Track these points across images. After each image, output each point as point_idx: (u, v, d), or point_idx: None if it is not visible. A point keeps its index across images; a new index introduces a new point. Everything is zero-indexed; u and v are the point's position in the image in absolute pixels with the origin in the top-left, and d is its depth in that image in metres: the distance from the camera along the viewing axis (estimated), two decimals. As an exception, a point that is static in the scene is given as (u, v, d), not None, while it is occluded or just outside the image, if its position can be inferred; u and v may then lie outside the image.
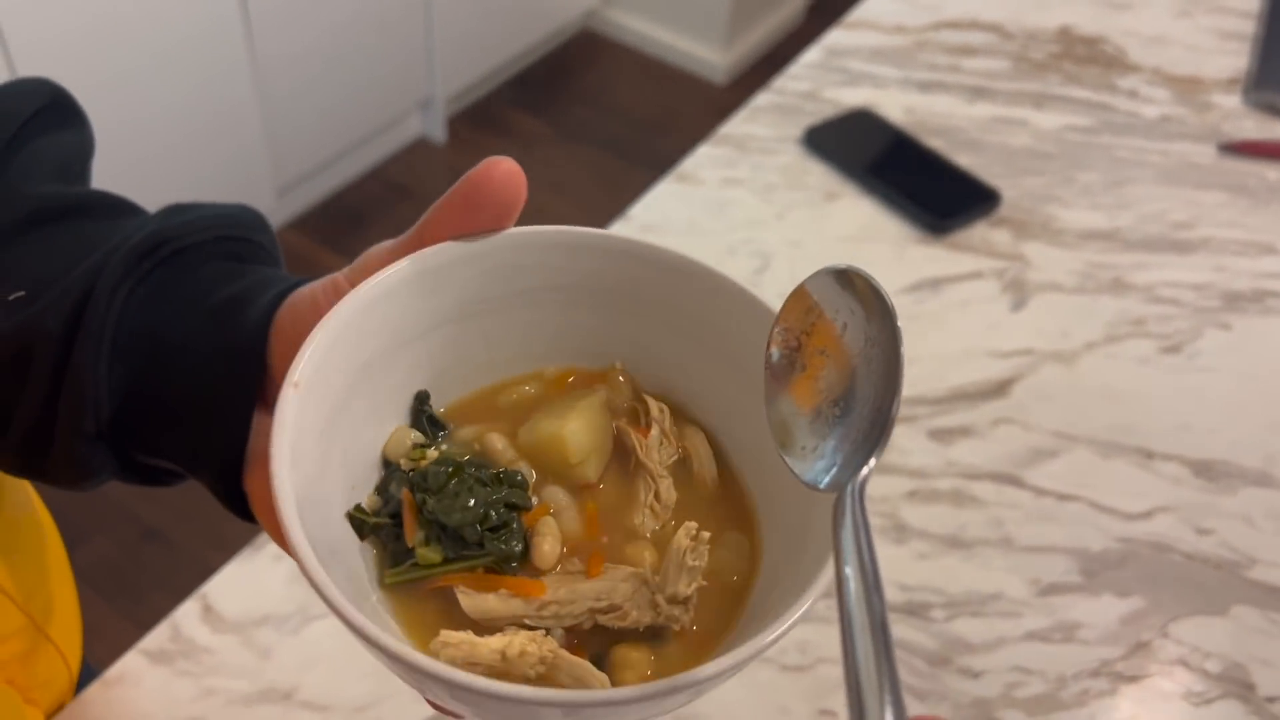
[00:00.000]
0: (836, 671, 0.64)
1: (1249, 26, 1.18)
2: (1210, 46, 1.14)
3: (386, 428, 0.38)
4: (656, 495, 0.37)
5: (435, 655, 0.31)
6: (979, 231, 0.91)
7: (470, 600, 0.34)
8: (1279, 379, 0.83)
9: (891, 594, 0.68)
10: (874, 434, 0.31)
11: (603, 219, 0.81)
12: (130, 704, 0.60)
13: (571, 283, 0.39)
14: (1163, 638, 0.67)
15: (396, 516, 0.36)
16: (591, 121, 2.51)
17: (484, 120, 2.48)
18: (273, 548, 0.67)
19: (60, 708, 0.60)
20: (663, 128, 2.48)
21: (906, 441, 0.76)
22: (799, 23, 2.82)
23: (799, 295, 0.35)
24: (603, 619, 0.34)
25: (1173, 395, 0.81)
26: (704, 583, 0.35)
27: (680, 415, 0.40)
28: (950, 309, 0.86)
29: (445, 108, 2.38)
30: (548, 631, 0.34)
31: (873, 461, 0.30)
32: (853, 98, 1.03)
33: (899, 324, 0.32)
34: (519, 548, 0.35)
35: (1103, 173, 0.98)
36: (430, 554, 0.34)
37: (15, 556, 0.56)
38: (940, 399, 0.79)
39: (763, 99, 1.02)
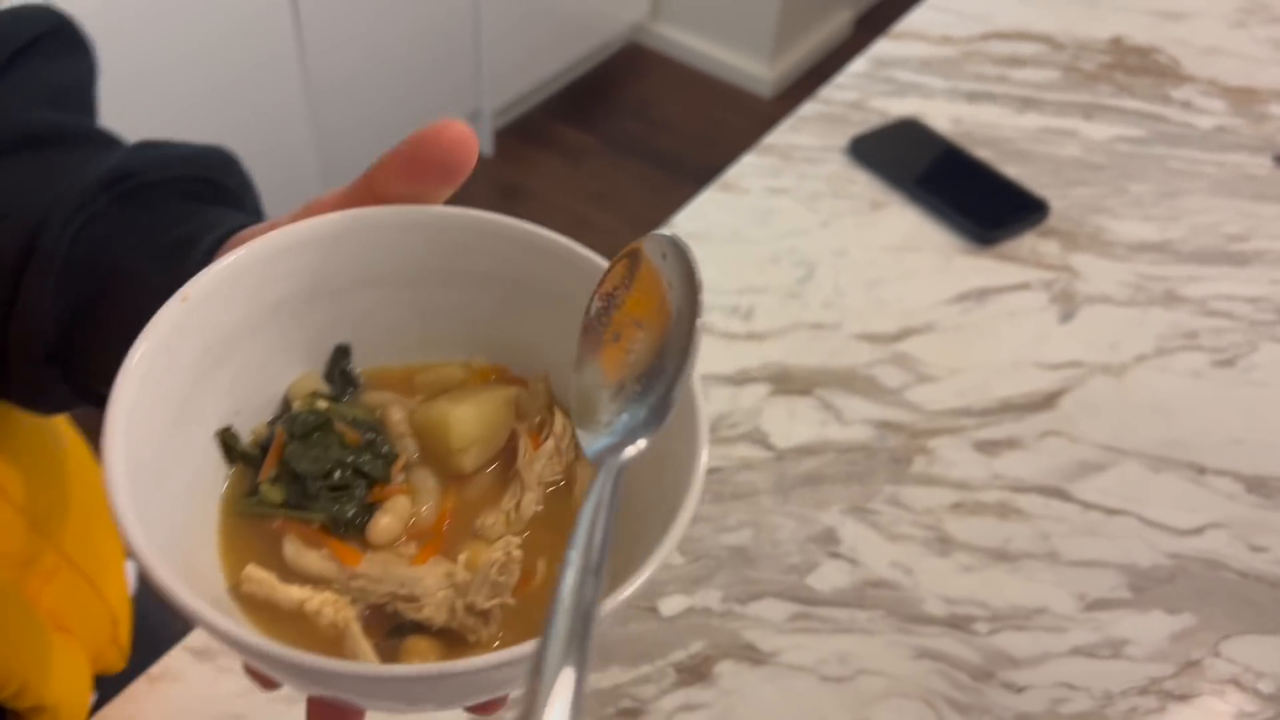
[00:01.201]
0: (877, 683, 0.63)
1: (1307, 31, 1.16)
2: (1266, 57, 1.12)
3: (295, 370, 0.38)
4: (518, 505, 0.36)
5: (237, 586, 0.32)
6: (1027, 242, 0.90)
7: (293, 549, 0.34)
8: (1337, 394, 0.81)
9: (935, 606, 0.67)
10: (653, 416, 0.30)
11: (647, 231, 0.81)
12: (175, 700, 0.60)
13: (519, 279, 0.38)
14: (1214, 656, 0.65)
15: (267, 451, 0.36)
16: (637, 135, 2.52)
17: (530, 133, 2.50)
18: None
19: (101, 656, 0.62)
20: (709, 141, 2.48)
21: (952, 453, 0.75)
22: (846, 36, 2.81)
23: (627, 257, 0.34)
24: (401, 606, 0.33)
25: (1225, 409, 0.79)
26: (510, 601, 0.33)
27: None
28: (998, 320, 0.85)
29: (492, 121, 2.40)
30: (353, 602, 0.33)
31: (641, 443, 0.29)
32: (899, 108, 1.02)
33: (701, 298, 0.31)
34: (350, 514, 0.35)
35: (1155, 184, 0.97)
36: (272, 493, 0.35)
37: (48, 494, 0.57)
38: (987, 410, 0.78)
39: (808, 108, 1.02)
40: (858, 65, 1.07)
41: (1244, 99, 1.06)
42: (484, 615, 0.33)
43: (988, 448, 0.76)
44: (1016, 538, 0.71)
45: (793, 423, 0.76)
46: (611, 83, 2.66)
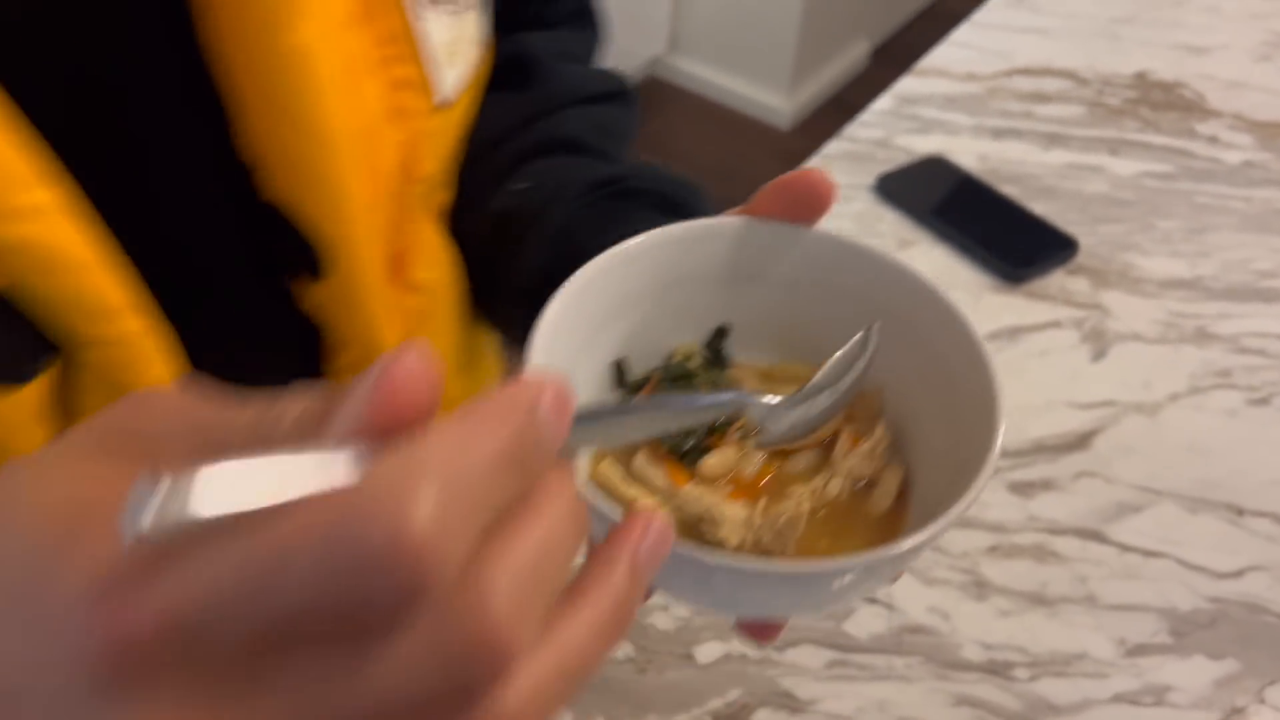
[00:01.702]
0: (917, 731, 0.63)
1: (1333, 68, 1.15)
2: (1293, 89, 1.12)
3: (682, 337, 0.46)
4: (825, 486, 0.41)
5: (593, 473, 0.41)
6: (1056, 280, 0.90)
7: (641, 460, 0.41)
8: (1375, 433, 0.80)
9: (973, 652, 0.66)
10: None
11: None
12: None
13: (873, 297, 0.43)
14: (1259, 703, 0.64)
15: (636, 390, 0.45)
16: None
17: (550, 166, 2.51)
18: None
19: None
20: (729, 174, 2.49)
21: (986, 495, 0.75)
22: (863, 67, 2.82)
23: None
24: (705, 527, 0.40)
25: (1262, 449, 0.79)
26: (789, 551, 0.39)
27: (893, 451, 0.43)
28: (1029, 359, 0.84)
29: (513, 154, 2.41)
30: (671, 510, 0.40)
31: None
32: (925, 145, 1.02)
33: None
34: (689, 445, 0.42)
35: (1183, 220, 0.96)
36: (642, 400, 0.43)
37: None
38: (1020, 451, 0.78)
39: (834, 147, 1.02)
40: (882, 103, 1.08)
41: (1271, 133, 1.06)
42: (766, 553, 0.39)
43: (1023, 489, 0.75)
44: (1054, 581, 0.70)
45: (825, 465, 0.76)
46: (630, 116, 2.67)
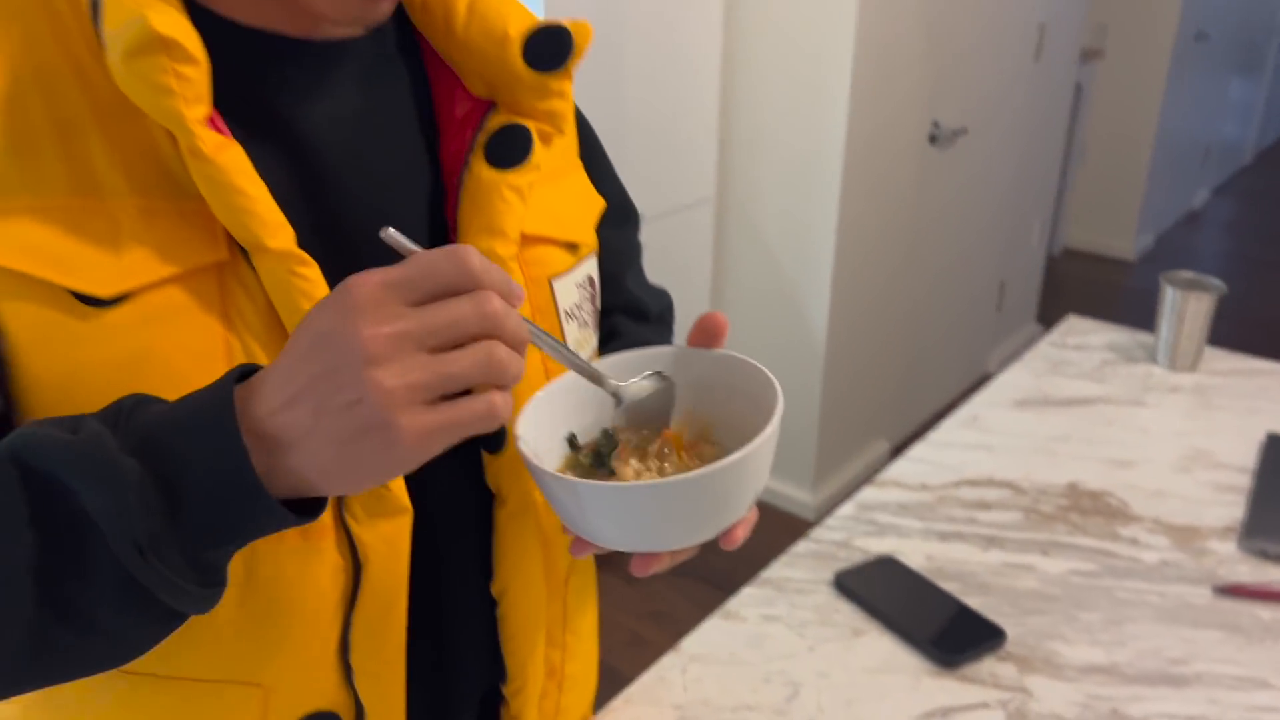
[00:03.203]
0: None
1: (1245, 480, 1.33)
2: (1208, 499, 1.30)
3: (589, 421, 0.71)
4: (661, 450, 0.69)
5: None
6: (986, 665, 1.04)
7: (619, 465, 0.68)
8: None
9: None
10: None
11: (690, 644, 0.96)
12: None
13: (725, 384, 0.70)
14: None
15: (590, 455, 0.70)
16: (694, 554, 2.71)
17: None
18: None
19: None
20: (759, 561, 2.66)
21: None
22: (884, 463, 3.06)
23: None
24: (612, 479, 0.66)
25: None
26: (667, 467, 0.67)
27: (720, 450, 0.70)
28: (960, 736, 0.96)
29: (557, 544, 2.62)
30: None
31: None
32: (880, 546, 1.20)
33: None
34: (609, 452, 0.68)
35: (1104, 612, 1.11)
36: (585, 458, 0.69)
37: None
38: (947, 819, 0.88)
39: (801, 546, 1.21)
40: (846, 509, 1.27)
41: (1186, 536, 1.23)
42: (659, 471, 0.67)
43: None
44: None
45: (774, 828, 0.87)
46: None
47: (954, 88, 2.99)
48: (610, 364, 0.71)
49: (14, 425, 0.56)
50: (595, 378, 0.66)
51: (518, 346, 0.52)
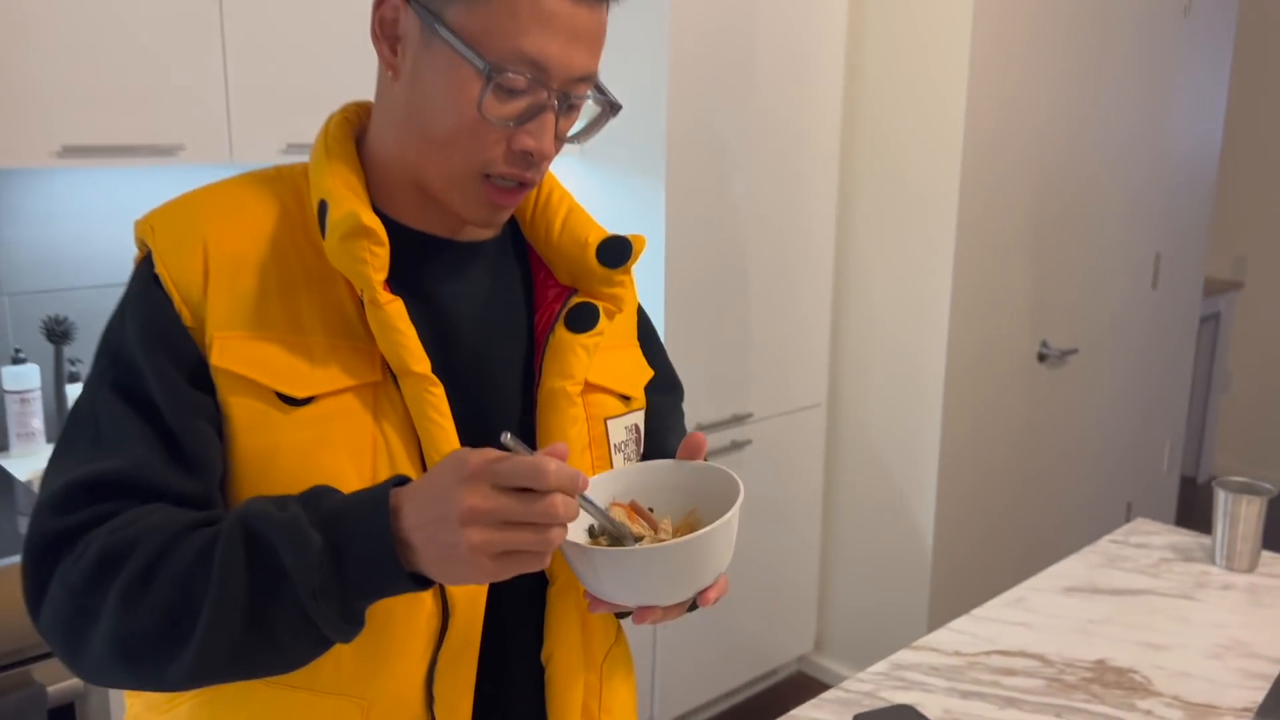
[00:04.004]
0: None
1: (1276, 670, 1.40)
2: (1233, 682, 1.37)
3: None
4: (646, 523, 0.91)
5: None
6: (979, 802, 1.14)
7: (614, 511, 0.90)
8: None
9: None
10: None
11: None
12: None
13: (704, 489, 0.91)
14: None
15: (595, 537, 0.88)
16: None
17: (696, 742, 2.79)
18: None
19: None
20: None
21: None
22: (997, 676, 3.05)
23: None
24: (628, 541, 0.86)
25: None
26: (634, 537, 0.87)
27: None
28: None
29: (661, 727, 2.73)
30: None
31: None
32: (903, 699, 1.33)
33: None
34: (632, 541, 0.86)
35: (1104, 769, 1.19)
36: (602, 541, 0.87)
37: None
38: None
39: (831, 694, 1.34)
40: (879, 666, 1.40)
41: (1202, 712, 1.30)
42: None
43: None
44: None
45: None
46: (778, 706, 2.97)
47: (1062, 309, 3.15)
48: (618, 473, 0.94)
49: (227, 486, 0.85)
50: (618, 536, 0.87)
51: (565, 524, 0.76)
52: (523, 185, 0.89)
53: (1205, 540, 1.83)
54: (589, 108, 0.93)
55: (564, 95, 0.85)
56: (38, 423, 2.12)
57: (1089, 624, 1.52)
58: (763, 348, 2.78)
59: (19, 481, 1.99)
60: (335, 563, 0.75)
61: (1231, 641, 1.48)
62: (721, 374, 2.70)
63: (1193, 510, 4.55)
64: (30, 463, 2.05)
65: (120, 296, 0.88)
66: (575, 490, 0.74)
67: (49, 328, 2.10)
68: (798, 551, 3.02)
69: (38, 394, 2.11)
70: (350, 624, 0.77)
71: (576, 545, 0.81)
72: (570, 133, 0.90)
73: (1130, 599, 1.61)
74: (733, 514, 0.83)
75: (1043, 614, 1.56)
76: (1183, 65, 3.48)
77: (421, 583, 0.77)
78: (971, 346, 2.84)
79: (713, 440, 2.69)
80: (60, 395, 2.15)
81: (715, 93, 2.52)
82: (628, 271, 0.98)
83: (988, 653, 1.44)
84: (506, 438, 0.75)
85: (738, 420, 2.74)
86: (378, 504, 0.76)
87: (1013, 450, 3.08)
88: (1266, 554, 1.75)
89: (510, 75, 0.82)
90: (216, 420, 0.83)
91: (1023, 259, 2.95)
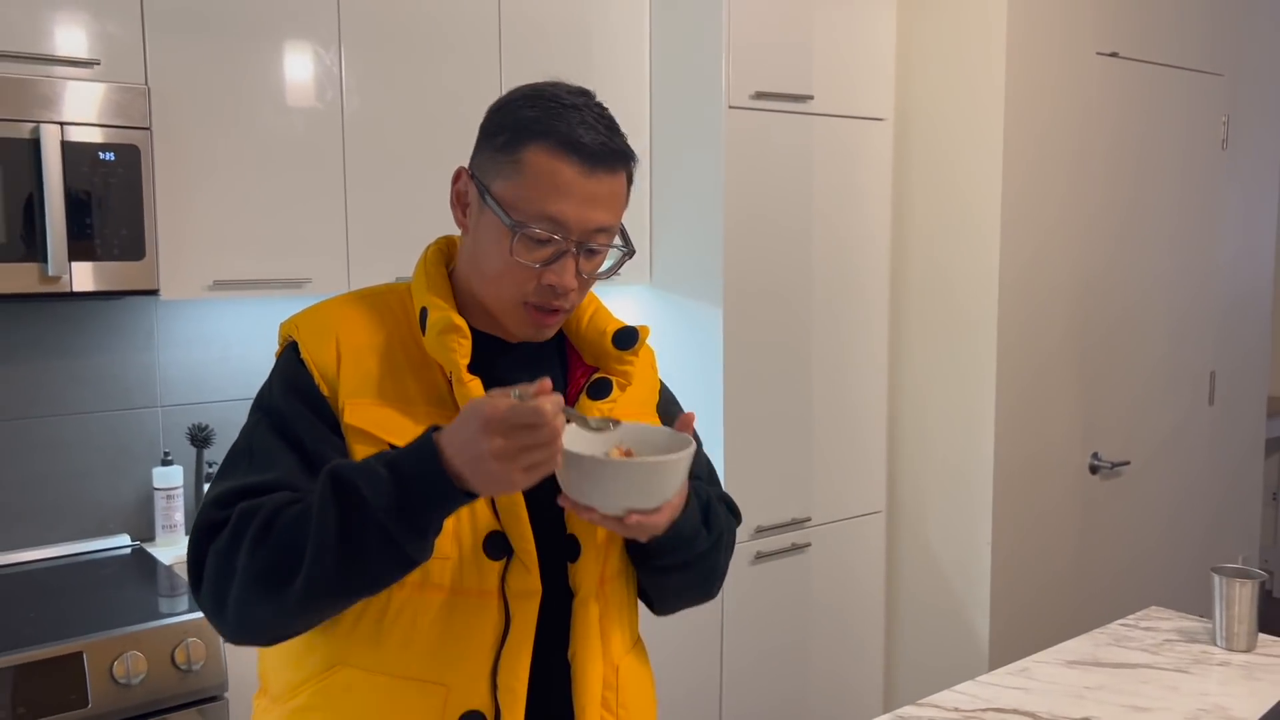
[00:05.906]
0: None
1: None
2: (1205, 737, 1.52)
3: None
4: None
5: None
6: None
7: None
8: None
9: None
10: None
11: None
12: None
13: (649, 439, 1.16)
14: None
15: None
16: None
17: (761, 836, 2.91)
18: None
19: None
20: None
21: None
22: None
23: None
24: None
25: None
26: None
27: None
28: None
29: (726, 818, 2.87)
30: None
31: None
32: (901, 743, 1.52)
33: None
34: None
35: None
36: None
37: None
38: None
39: (838, 739, 1.54)
40: (884, 717, 1.60)
41: (1169, 759, 1.46)
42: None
43: None
44: None
45: None
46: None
47: (1113, 422, 3.31)
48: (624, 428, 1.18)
49: None
50: (583, 422, 1.12)
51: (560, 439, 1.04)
52: (556, 311, 1.19)
53: (1209, 624, 1.98)
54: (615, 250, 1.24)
55: (582, 243, 1.16)
56: (179, 516, 2.48)
57: (1083, 689, 1.69)
58: (821, 456, 3.01)
59: (162, 564, 2.33)
60: (400, 487, 1.01)
61: (1213, 706, 1.63)
62: (783, 478, 2.94)
63: (1274, 629, 4.50)
64: (172, 550, 2.40)
65: (267, 377, 1.20)
66: (560, 412, 1.02)
67: (193, 434, 2.48)
68: (862, 657, 3.17)
69: (180, 492, 2.47)
70: (420, 536, 1.03)
71: (568, 452, 1.05)
72: (600, 270, 1.21)
73: (1127, 671, 1.77)
74: (679, 457, 1.09)
75: (1042, 681, 1.73)
76: (1225, 188, 3.68)
77: (470, 495, 1.03)
78: (1020, 457, 3.02)
79: (773, 543, 2.91)
80: (199, 492, 2.51)
81: (768, 232, 2.84)
82: (636, 353, 1.28)
83: (984, 710, 1.62)
84: (515, 393, 1.03)
85: (797, 524, 2.96)
86: (427, 444, 1.03)
87: (1070, 560, 3.21)
88: (1265, 636, 1.89)
89: (534, 229, 1.13)
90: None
91: (1068, 374, 3.14)
